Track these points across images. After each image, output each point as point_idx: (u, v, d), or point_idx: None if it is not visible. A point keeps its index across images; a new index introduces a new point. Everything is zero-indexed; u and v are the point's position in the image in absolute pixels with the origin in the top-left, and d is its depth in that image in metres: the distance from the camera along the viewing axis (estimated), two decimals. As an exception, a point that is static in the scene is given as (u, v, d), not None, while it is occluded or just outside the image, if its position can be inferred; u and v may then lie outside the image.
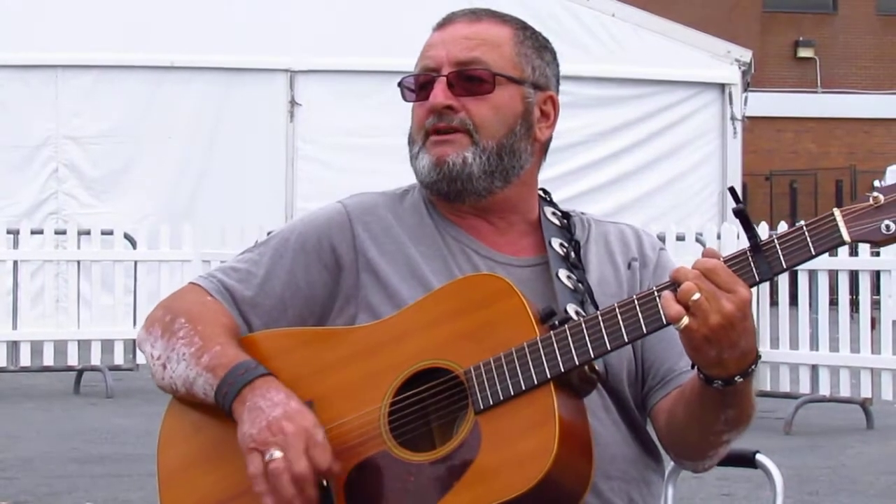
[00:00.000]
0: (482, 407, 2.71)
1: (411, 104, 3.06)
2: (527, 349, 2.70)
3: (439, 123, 2.97)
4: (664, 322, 2.65)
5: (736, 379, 2.67)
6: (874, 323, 12.28)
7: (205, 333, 2.91)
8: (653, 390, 2.96)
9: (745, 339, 2.64)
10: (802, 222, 2.59)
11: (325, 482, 2.76)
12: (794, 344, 12.54)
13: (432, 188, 3.00)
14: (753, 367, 2.69)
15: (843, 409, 12.35)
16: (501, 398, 2.70)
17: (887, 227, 2.54)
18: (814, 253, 2.58)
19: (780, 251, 2.60)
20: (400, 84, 3.06)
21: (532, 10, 15.42)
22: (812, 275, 12.38)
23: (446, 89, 2.97)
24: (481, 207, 3.01)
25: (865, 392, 12.20)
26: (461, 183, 2.96)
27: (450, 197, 3.00)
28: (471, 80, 2.99)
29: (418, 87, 3.02)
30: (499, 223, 3.03)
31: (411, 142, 3.03)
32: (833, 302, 12.35)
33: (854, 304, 12.54)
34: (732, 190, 2.74)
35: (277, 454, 2.70)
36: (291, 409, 2.75)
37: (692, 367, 2.70)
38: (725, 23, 32.45)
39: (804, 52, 38.59)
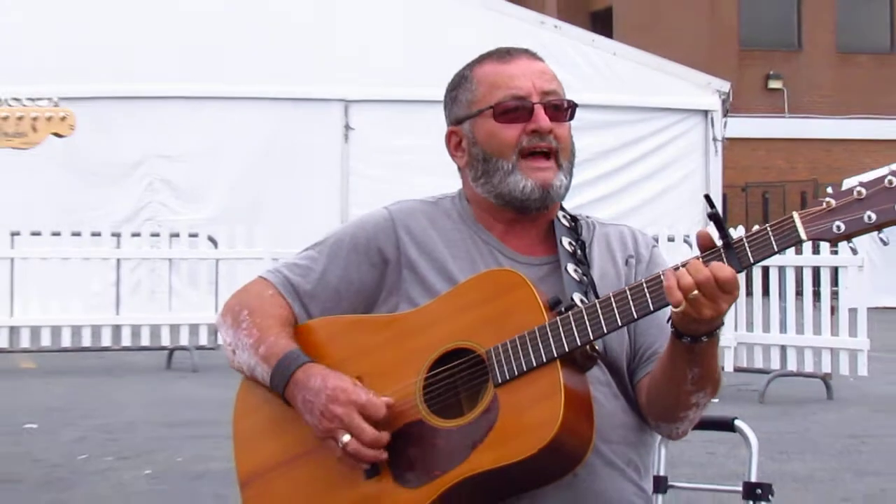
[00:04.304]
0: (500, 381, 2.70)
1: (469, 130, 2.96)
2: (537, 332, 2.69)
3: (541, 143, 2.90)
4: (651, 308, 2.64)
5: (702, 338, 2.65)
6: (833, 310, 12.28)
7: (262, 325, 2.91)
8: (640, 366, 2.92)
9: (719, 319, 2.63)
10: (768, 224, 2.57)
11: None
12: (766, 328, 12.56)
13: (522, 203, 2.91)
14: (717, 330, 2.66)
15: (808, 383, 12.34)
16: (516, 373, 2.69)
17: (838, 227, 2.53)
18: (776, 249, 2.56)
19: (748, 248, 2.58)
20: (493, 107, 2.91)
21: (549, 50, 15.36)
22: (781, 270, 12.38)
23: (545, 114, 2.91)
24: (531, 217, 2.96)
25: (826, 368, 12.24)
26: (550, 201, 2.92)
27: (529, 211, 2.94)
28: (557, 108, 2.93)
29: (509, 110, 2.91)
30: (529, 228, 2.98)
31: (493, 158, 2.92)
32: (799, 293, 12.37)
33: (816, 295, 12.52)
34: (707, 197, 2.72)
35: (346, 438, 2.71)
36: (330, 390, 2.75)
37: (668, 321, 2.68)
38: (708, 59, 32.42)
39: (774, 84, 38.60)
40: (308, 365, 2.82)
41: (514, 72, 2.95)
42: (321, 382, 2.77)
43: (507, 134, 2.91)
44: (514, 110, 2.92)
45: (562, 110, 2.94)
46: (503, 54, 3.00)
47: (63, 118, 3.63)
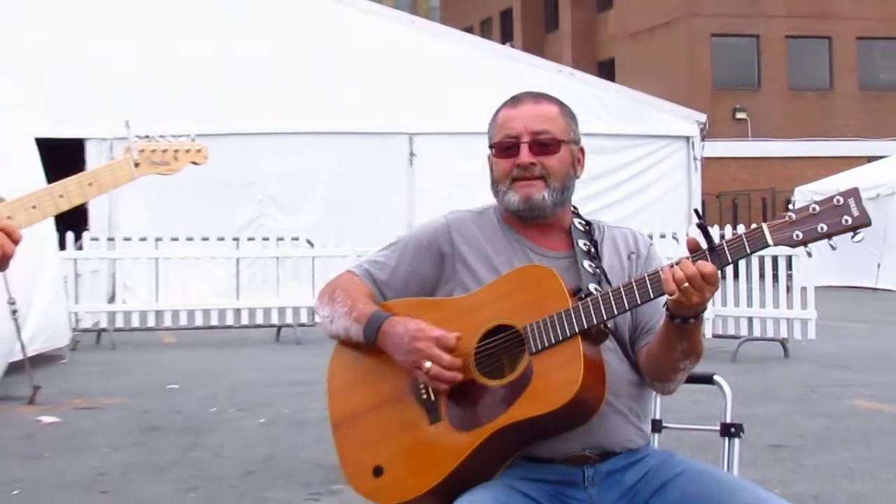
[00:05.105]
0: (534, 350, 2.69)
1: (491, 158, 2.95)
2: (563, 314, 2.69)
3: (525, 174, 2.88)
4: (652, 296, 2.64)
5: (690, 320, 2.66)
6: (789, 289, 12.26)
7: (354, 298, 2.93)
8: (640, 337, 2.92)
9: (703, 305, 2.64)
10: (742, 231, 2.58)
11: (432, 396, 2.77)
12: (737, 303, 12.52)
13: (517, 214, 2.92)
14: (701, 314, 2.67)
15: (769, 346, 12.28)
16: (547, 345, 2.68)
17: (797, 235, 2.54)
18: (749, 252, 2.57)
19: (727, 251, 2.58)
20: (492, 146, 2.93)
21: (563, 91, 15.24)
22: (748, 257, 12.31)
23: (528, 151, 2.89)
24: (541, 222, 2.94)
25: (783, 334, 12.20)
26: (538, 211, 2.90)
27: (525, 220, 2.93)
28: (543, 144, 2.90)
29: (505, 148, 2.91)
30: (547, 230, 2.96)
31: (497, 183, 2.93)
32: (762, 275, 12.33)
33: (776, 277, 12.49)
34: (696, 211, 2.74)
35: (427, 364, 2.72)
36: (412, 331, 2.77)
37: (664, 306, 2.68)
38: (688, 97, 32.30)
39: (740, 115, 38.53)
40: (391, 318, 2.84)
41: (514, 115, 2.93)
42: (403, 327, 2.79)
43: (503, 166, 2.92)
44: (508, 148, 2.91)
45: (549, 145, 2.91)
46: (514, 100, 2.98)
47: (199, 150, 3.63)
